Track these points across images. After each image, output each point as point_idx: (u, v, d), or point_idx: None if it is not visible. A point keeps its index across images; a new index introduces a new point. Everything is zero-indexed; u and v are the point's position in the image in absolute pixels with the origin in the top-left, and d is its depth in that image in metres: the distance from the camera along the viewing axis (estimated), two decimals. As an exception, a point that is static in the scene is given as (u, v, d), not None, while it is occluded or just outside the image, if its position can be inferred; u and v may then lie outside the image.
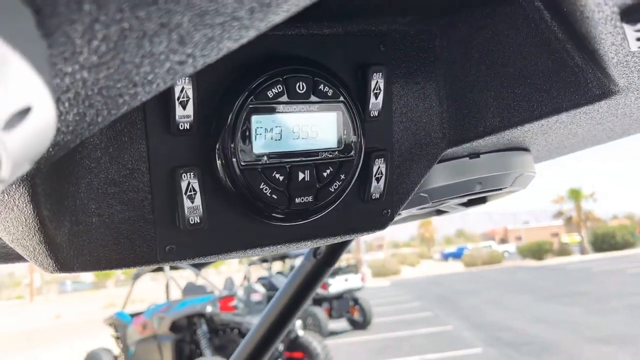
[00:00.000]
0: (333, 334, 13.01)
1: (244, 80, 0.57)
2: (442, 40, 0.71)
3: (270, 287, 10.97)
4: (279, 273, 12.72)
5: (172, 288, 9.34)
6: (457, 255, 57.94)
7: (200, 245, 0.59)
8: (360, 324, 13.63)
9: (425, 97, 0.72)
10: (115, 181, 0.55)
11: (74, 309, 35.75)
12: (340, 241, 0.72)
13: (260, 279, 11.23)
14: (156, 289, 28.04)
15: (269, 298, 10.48)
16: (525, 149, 0.88)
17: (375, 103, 0.66)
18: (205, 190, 0.57)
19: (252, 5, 0.28)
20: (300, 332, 8.04)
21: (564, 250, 40.63)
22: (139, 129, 0.55)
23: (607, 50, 0.55)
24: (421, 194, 0.82)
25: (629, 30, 0.49)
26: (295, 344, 7.97)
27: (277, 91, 0.58)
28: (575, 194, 43.87)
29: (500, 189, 0.88)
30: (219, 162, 0.57)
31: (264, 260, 12.34)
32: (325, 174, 0.62)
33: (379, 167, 0.67)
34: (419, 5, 0.67)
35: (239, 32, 0.31)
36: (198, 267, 10.05)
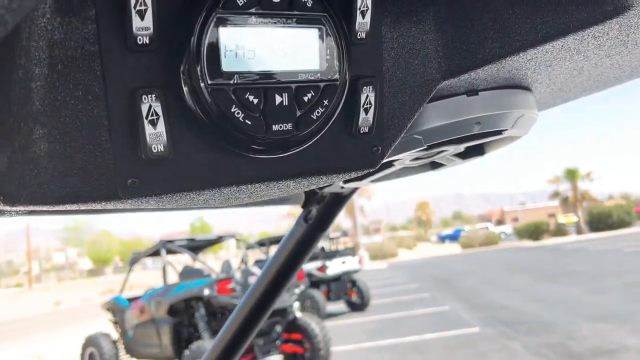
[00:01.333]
0: (331, 315, 13.08)
1: None
2: None
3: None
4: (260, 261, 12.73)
5: (170, 273, 9.33)
6: (454, 237, 58.27)
7: (167, 179, 0.52)
8: (358, 306, 13.71)
9: (419, 21, 0.65)
10: (67, 104, 0.49)
11: (73, 296, 35.90)
12: (327, 183, 0.64)
13: (257, 262, 11.22)
14: (154, 276, 28.13)
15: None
16: (527, 88, 0.80)
17: (363, 23, 0.58)
18: (170, 115, 0.50)
19: None
20: (299, 314, 8.07)
21: (560, 231, 40.85)
22: (92, 44, 0.49)
23: None
24: (415, 136, 0.74)
25: None
26: (293, 326, 7.99)
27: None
28: (571, 174, 44.02)
29: (501, 132, 0.80)
30: (183, 82, 0.50)
31: (262, 244, 12.34)
32: (305, 99, 0.55)
33: (367, 96, 0.59)
34: None
35: None
36: (195, 250, 10.04)
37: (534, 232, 39.51)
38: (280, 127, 0.53)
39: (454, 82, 0.68)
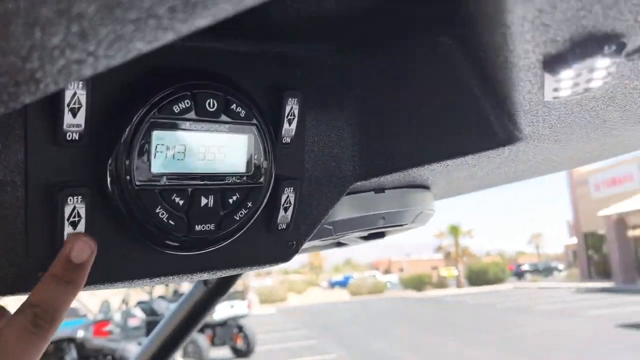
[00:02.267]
0: (214, 362, 12.57)
1: (148, 91, 0.50)
2: (358, 72, 0.69)
3: (151, 312, 10.43)
4: (161, 297, 12.14)
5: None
6: (343, 283, 59.13)
7: None
8: (243, 352, 13.32)
9: (339, 128, 0.70)
10: None
11: None
12: (240, 273, 0.68)
13: (139, 303, 10.62)
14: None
15: (149, 324, 9.94)
16: (427, 187, 0.90)
17: (289, 129, 0.62)
18: (93, 212, 0.50)
19: (174, 4, 0.25)
20: (180, 360, 7.68)
21: (442, 283, 42.85)
22: (17, 134, 0.48)
23: (521, 98, 0.55)
24: (326, 226, 0.80)
25: (549, 79, 0.50)
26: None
27: (184, 106, 0.52)
28: (454, 230, 46.66)
29: (402, 225, 0.89)
30: (110, 180, 0.50)
31: (146, 283, 11.76)
32: (231, 201, 0.56)
33: (288, 196, 0.63)
34: (337, 35, 0.64)
35: (154, 33, 0.27)
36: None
37: (418, 283, 41.13)
38: (203, 227, 0.55)
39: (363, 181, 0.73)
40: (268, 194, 0.60)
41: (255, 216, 0.60)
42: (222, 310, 13.06)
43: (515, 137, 0.63)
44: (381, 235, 0.95)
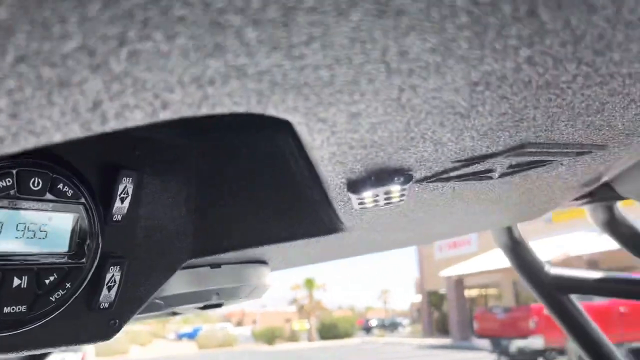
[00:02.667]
0: (32, 423, 11.12)
1: None
2: (199, 155, 0.69)
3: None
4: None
5: None
6: (191, 335, 56.68)
7: None
8: (69, 411, 11.97)
9: (174, 207, 0.70)
10: None
11: None
12: (54, 350, 0.62)
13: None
14: None
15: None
16: (264, 262, 0.92)
17: (121, 207, 0.60)
18: None
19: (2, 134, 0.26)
20: None
21: (294, 336, 42.89)
22: None
23: (336, 204, 0.65)
24: (157, 301, 0.76)
25: (353, 196, 0.59)
26: None
27: (5, 184, 0.50)
28: (309, 284, 47.31)
29: (234, 299, 0.89)
30: None
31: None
32: (47, 281, 0.55)
33: (113, 275, 0.61)
34: (178, 121, 0.59)
35: None
36: None
37: (270, 336, 40.75)
38: (12, 309, 0.53)
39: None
40: (91, 273, 0.58)
41: (75, 296, 0.58)
42: (48, 364, 11.72)
43: (338, 228, 0.71)
44: (218, 305, 0.92)
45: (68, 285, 0.56)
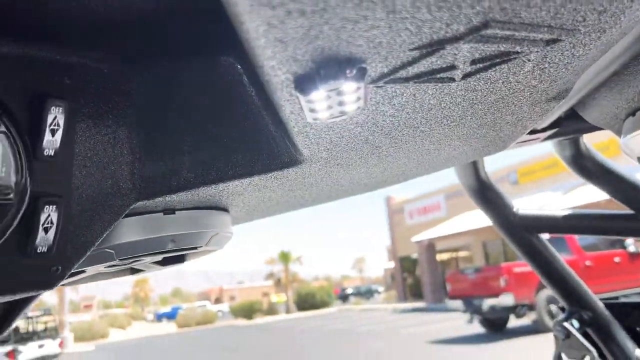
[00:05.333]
0: (16, 411, 11.13)
1: None
2: (139, 85, 0.64)
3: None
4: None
5: None
6: (171, 315, 56.57)
7: None
8: (52, 397, 12.00)
9: (116, 143, 0.64)
10: None
11: None
12: None
13: None
14: None
15: None
16: (224, 209, 0.87)
17: (52, 140, 0.55)
18: None
19: None
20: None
21: (272, 310, 43.21)
22: None
23: (288, 118, 0.57)
24: (107, 250, 0.72)
25: (303, 100, 0.51)
26: None
27: None
28: (284, 257, 47.60)
29: (195, 248, 0.83)
30: None
31: None
32: None
33: (49, 215, 0.55)
34: (117, 44, 0.60)
35: None
36: None
37: (249, 310, 40.97)
38: None
39: (150, 201, 0.68)
40: (21, 212, 0.53)
41: (4, 237, 0.53)
42: (28, 352, 11.68)
43: (296, 160, 0.66)
44: (180, 259, 0.88)
45: None
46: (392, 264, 39.96)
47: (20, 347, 11.75)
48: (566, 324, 1.28)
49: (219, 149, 0.65)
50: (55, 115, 0.55)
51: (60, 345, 12.62)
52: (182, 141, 0.65)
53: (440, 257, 29.89)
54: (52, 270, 0.58)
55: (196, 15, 0.58)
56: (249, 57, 0.52)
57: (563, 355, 1.30)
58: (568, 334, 1.27)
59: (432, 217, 29.67)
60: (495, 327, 14.50)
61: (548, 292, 13.38)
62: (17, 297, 0.57)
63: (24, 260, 0.56)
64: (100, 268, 0.80)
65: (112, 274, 0.92)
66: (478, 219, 22.31)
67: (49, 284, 0.59)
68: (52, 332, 12.95)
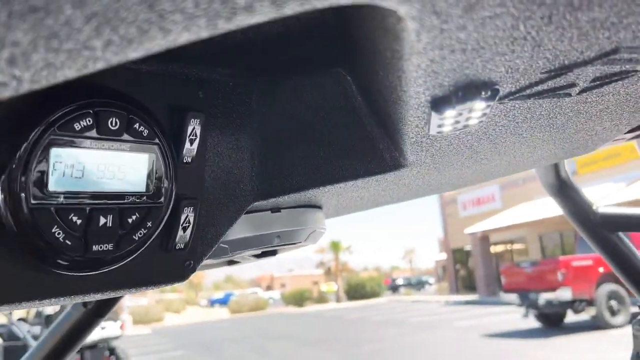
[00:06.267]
0: (82, 388, 11.70)
1: (47, 107, 0.49)
2: (259, 96, 0.71)
3: (10, 337, 9.51)
4: (22, 320, 11.10)
5: None
6: (223, 301, 58.04)
7: None
8: (114, 377, 12.54)
9: (239, 149, 0.71)
10: None
11: None
12: (134, 292, 0.64)
13: (-3, 328, 9.62)
14: None
15: (7, 349, 9.03)
16: (319, 207, 0.94)
17: (190, 149, 0.62)
18: None
19: (110, 38, 0.25)
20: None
21: (322, 298, 43.66)
22: None
23: (409, 130, 0.61)
24: (222, 245, 0.79)
25: (435, 117, 0.56)
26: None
27: (85, 124, 0.50)
28: (335, 246, 47.88)
29: (295, 243, 0.91)
30: (1, 197, 0.48)
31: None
32: (130, 220, 0.55)
33: (187, 216, 0.62)
34: (240, 59, 0.67)
35: (85, 62, 0.27)
36: None
37: (299, 298, 41.56)
38: (100, 247, 0.54)
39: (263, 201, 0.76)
40: (167, 213, 0.59)
41: (154, 236, 0.59)
42: (92, 332, 12.24)
43: (400, 164, 0.70)
44: (273, 252, 0.96)
45: (149, 224, 0.57)
46: (443, 256, 39.55)
47: (84, 328, 12.31)
48: None
49: (328, 155, 0.71)
50: (194, 127, 0.61)
51: (122, 327, 13.16)
52: (295, 147, 0.72)
53: (494, 249, 29.30)
54: (186, 265, 0.65)
55: (313, 34, 0.63)
56: (372, 72, 0.57)
57: None
58: None
59: (486, 208, 29.07)
60: (552, 322, 14.13)
61: (609, 287, 12.93)
62: (157, 288, 0.64)
63: (165, 256, 0.62)
64: (210, 261, 0.87)
65: (215, 265, 0.99)
66: (534, 210, 21.79)
67: (183, 277, 0.65)
68: (112, 315, 13.53)
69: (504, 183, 27.85)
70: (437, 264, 52.87)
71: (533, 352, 10.64)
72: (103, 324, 12.84)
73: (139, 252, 0.58)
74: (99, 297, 0.59)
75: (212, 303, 63.10)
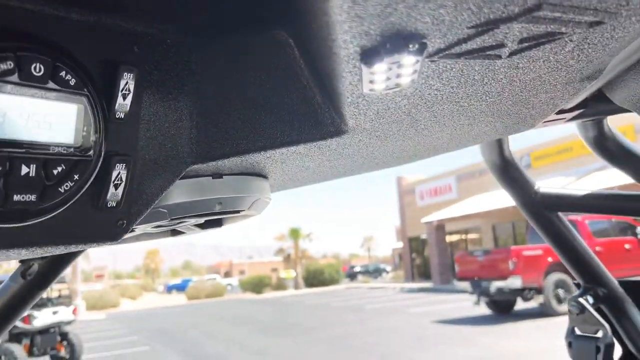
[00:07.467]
0: (31, 374, 11.45)
1: None
2: (198, 55, 0.69)
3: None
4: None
5: None
6: (181, 287, 57.40)
7: None
8: (66, 362, 12.31)
9: (176, 109, 0.69)
10: None
11: None
12: (63, 252, 0.63)
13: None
14: None
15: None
16: (264, 176, 0.92)
17: (123, 104, 0.59)
18: None
19: None
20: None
21: (281, 285, 43.71)
22: None
23: (344, 89, 0.61)
24: (160, 209, 0.78)
25: (365, 71, 0.55)
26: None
27: (5, 68, 0.48)
28: (294, 233, 47.92)
29: (238, 212, 0.89)
30: None
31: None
32: (55, 172, 0.53)
33: (119, 173, 0.60)
34: (178, 16, 0.65)
35: None
36: None
37: (257, 285, 41.48)
38: (23, 197, 0.51)
39: (202, 165, 0.74)
40: (97, 168, 0.58)
41: (82, 190, 0.57)
42: (43, 317, 11.96)
43: (341, 130, 0.70)
44: (218, 223, 0.94)
45: (76, 177, 0.55)
46: (400, 244, 40.10)
47: (35, 313, 12.03)
48: (581, 300, 1.30)
49: (268, 118, 0.69)
50: (127, 81, 0.59)
51: (74, 312, 12.88)
52: (236, 110, 0.70)
53: (449, 238, 29.96)
54: (118, 224, 0.63)
55: None
56: (309, 31, 0.57)
57: (576, 329, 1.34)
58: (582, 309, 1.29)
59: (442, 198, 29.65)
60: (502, 309, 14.61)
61: (557, 276, 13.43)
62: (87, 247, 0.63)
63: (96, 213, 0.61)
64: (148, 228, 0.86)
65: (156, 234, 0.98)
66: (488, 201, 22.34)
67: (115, 236, 0.64)
68: (65, 300, 13.21)
69: (460, 175, 28.44)
70: (394, 252, 53.63)
71: (479, 338, 11.01)
72: (55, 308, 12.54)
73: (66, 205, 0.56)
74: (26, 253, 0.58)
75: (169, 289, 62.31)
